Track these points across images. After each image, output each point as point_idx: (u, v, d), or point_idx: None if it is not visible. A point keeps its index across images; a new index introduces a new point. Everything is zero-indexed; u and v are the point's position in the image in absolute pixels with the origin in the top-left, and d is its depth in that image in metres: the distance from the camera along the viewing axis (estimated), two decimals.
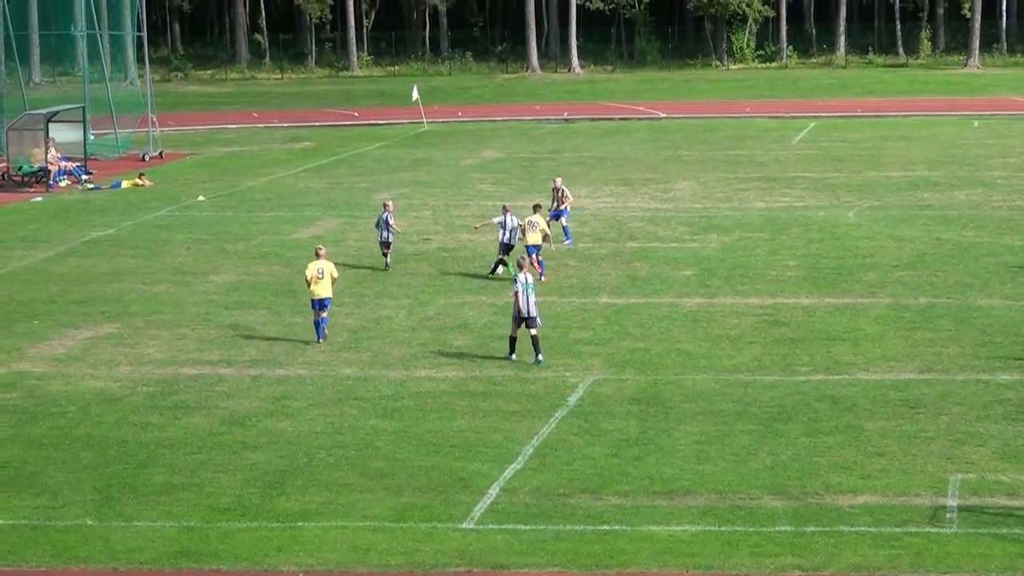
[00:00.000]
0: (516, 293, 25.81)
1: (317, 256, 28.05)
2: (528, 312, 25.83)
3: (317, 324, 28.03)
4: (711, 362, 26.31)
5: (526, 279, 25.95)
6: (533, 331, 26.06)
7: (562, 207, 38.28)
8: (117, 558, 17.80)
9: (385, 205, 35.69)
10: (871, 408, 23.33)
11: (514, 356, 26.29)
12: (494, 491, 19.83)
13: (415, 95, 68.81)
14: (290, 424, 22.99)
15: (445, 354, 27.07)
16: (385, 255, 35.05)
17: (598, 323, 29.29)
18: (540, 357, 26.10)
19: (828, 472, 20.38)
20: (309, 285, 27.83)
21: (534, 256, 32.56)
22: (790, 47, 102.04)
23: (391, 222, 34.92)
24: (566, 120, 71.18)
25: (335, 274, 28.11)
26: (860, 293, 31.55)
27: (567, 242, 36.91)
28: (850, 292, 31.68)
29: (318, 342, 27.84)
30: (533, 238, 32.93)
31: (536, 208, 34.08)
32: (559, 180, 39.22)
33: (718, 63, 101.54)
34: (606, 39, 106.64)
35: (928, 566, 17.28)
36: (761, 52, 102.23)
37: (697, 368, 25.92)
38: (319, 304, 27.90)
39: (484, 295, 31.82)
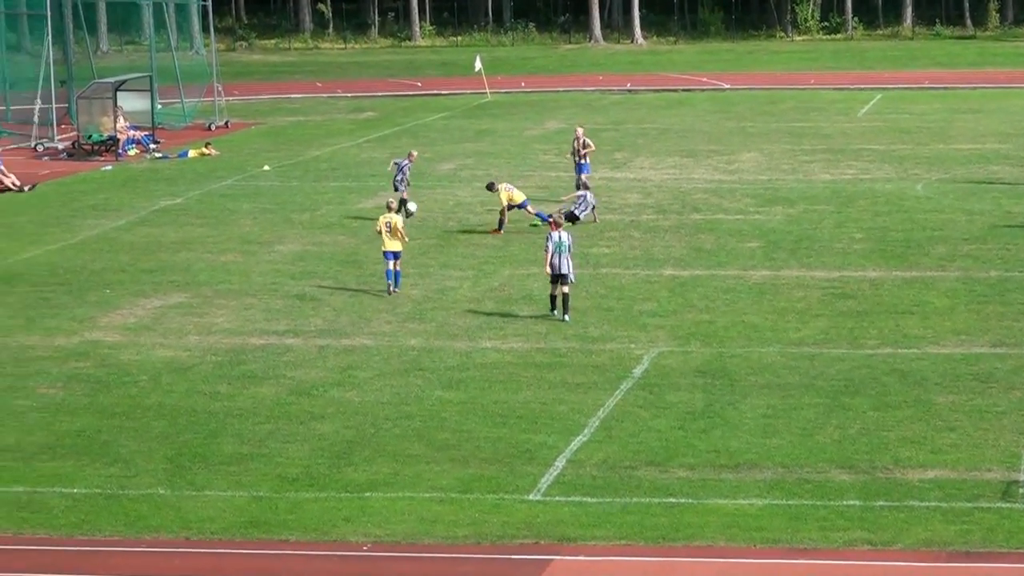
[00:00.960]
0: (547, 251, 26.65)
1: (388, 209, 29.92)
2: (560, 270, 26.62)
3: (388, 273, 29.21)
4: (777, 335, 26.17)
5: (559, 237, 26.62)
6: (565, 288, 26.83)
7: (583, 161, 38.50)
8: (189, 527, 17.95)
9: (410, 154, 37.13)
10: (941, 382, 23.14)
11: (555, 312, 27.12)
12: (560, 463, 19.83)
13: (478, 65, 68.68)
14: (356, 394, 23.09)
15: (510, 325, 27.08)
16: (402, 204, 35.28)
17: (663, 295, 29.20)
18: (567, 316, 26.83)
19: (897, 446, 20.24)
20: (382, 238, 29.31)
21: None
22: (855, 18, 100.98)
23: (407, 174, 36.31)
24: (629, 91, 70.87)
25: (401, 227, 29.34)
26: (929, 266, 31.26)
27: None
28: (919, 265, 31.40)
29: (390, 293, 28.98)
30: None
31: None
32: (580, 131, 39.21)
33: (782, 34, 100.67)
34: (669, 10, 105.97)
35: (1000, 541, 17.14)
36: (826, 23, 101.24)
37: (763, 341, 25.80)
38: (392, 255, 29.19)
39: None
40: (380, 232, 29.35)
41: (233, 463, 20.06)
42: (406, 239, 29.81)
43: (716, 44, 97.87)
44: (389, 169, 37.73)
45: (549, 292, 27.30)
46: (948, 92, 66.57)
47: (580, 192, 37.05)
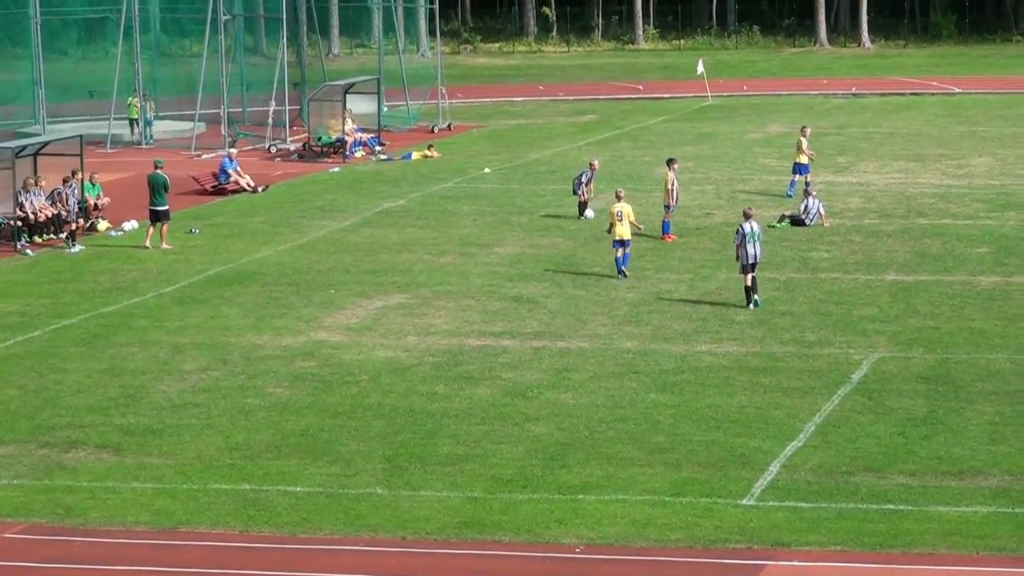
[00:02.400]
0: (737, 243, 28.12)
1: (618, 198, 31.32)
2: (754, 259, 28.04)
3: (617, 260, 30.89)
4: (1007, 341, 25.44)
5: (751, 227, 28.17)
6: (752, 275, 28.21)
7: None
8: (405, 527, 18.25)
9: (591, 165, 38.28)
10: None
11: (751, 306, 28.00)
12: (774, 468, 19.63)
13: (700, 68, 68.26)
14: (571, 396, 23.18)
15: (726, 329, 26.88)
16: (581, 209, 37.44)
17: (884, 300, 28.62)
18: (757, 296, 28.10)
19: None
20: (610, 227, 31.08)
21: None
22: None
23: (584, 181, 37.67)
24: (854, 95, 69.61)
25: (632, 216, 31.06)
26: None
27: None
28: None
29: (619, 277, 30.64)
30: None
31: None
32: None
33: (1019, 38, 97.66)
34: (899, 13, 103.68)
35: None
36: None
37: (991, 347, 25.10)
38: (619, 243, 30.95)
39: (766, 271, 31.39)
40: (612, 222, 30.94)
41: (448, 464, 20.33)
42: (640, 227, 31.98)
43: (948, 48, 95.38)
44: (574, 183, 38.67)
45: (743, 285, 28.26)
46: None
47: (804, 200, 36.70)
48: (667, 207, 35.13)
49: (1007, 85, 71.36)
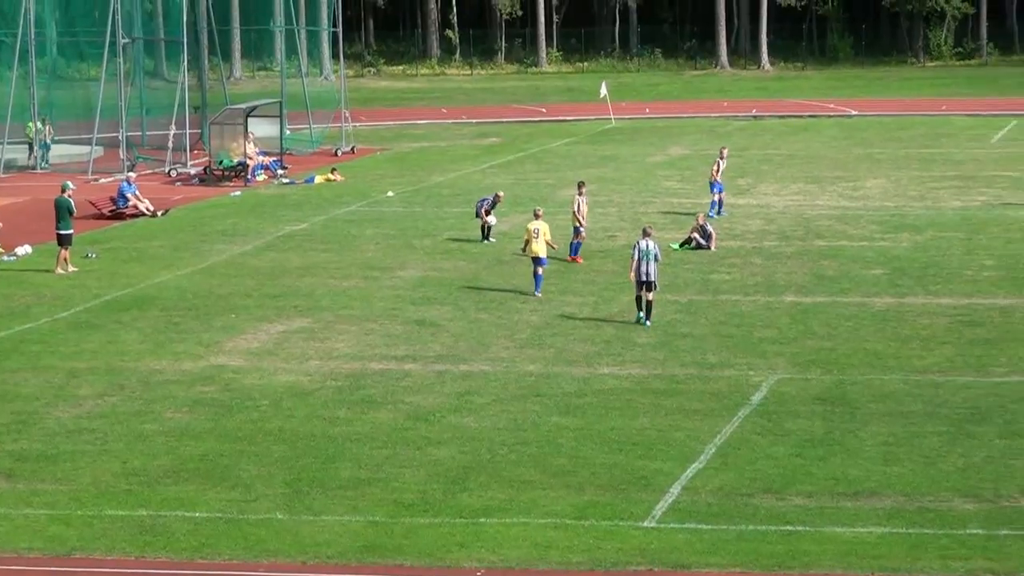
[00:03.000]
0: (633, 259, 28.42)
1: (536, 217, 31.98)
2: (647, 276, 28.32)
3: (538, 277, 31.50)
4: (900, 362, 25.82)
5: (646, 245, 28.40)
6: (650, 295, 28.60)
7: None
8: (306, 552, 18.13)
9: (497, 196, 38.81)
10: None
11: (647, 321, 28.58)
12: (676, 490, 19.74)
13: (603, 92, 68.78)
14: (473, 420, 23.18)
15: (628, 351, 27.04)
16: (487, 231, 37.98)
17: (783, 322, 28.96)
18: (648, 321, 28.53)
19: None
20: (526, 245, 31.86)
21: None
22: (990, 44, 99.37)
23: (488, 209, 37.96)
24: (754, 117, 70.45)
25: (548, 235, 31.65)
26: None
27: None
28: None
29: (535, 295, 31.17)
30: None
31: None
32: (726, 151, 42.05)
33: (913, 60, 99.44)
34: (797, 36, 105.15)
35: None
36: (960, 49, 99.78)
37: (885, 368, 25.47)
38: (536, 261, 31.53)
39: (668, 293, 31.66)
40: (528, 240, 31.70)
41: (350, 488, 20.24)
42: (555, 246, 32.52)
43: (845, 70, 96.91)
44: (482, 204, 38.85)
45: (635, 294, 28.83)
46: None
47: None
48: (576, 229, 35.33)
49: (901, 107, 72.62)
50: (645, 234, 28.89)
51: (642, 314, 28.79)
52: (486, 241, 37.99)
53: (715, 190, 41.55)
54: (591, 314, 30.05)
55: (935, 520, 18.45)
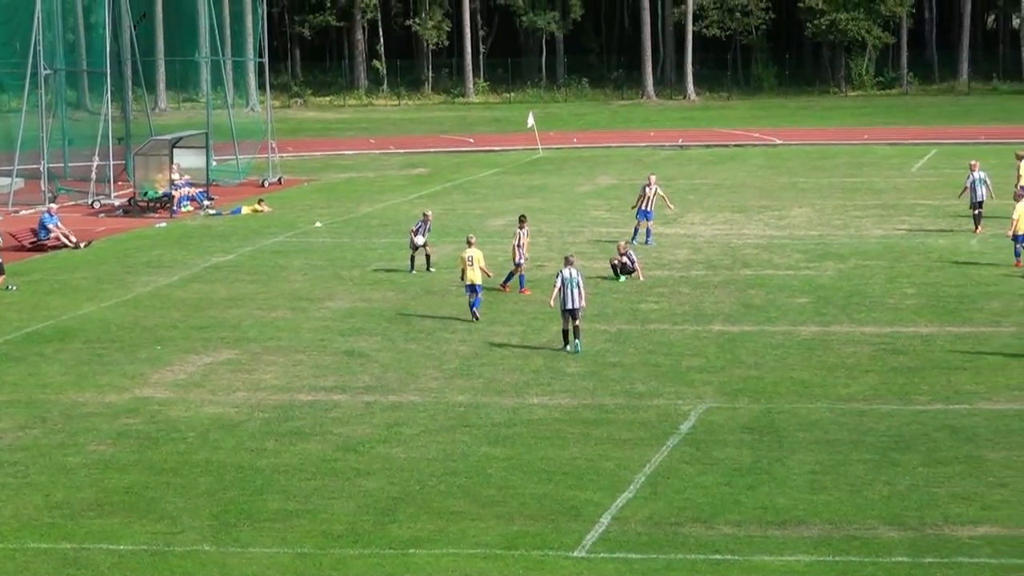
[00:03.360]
0: (556, 287, 28.82)
1: (469, 244, 32.44)
2: (573, 304, 28.66)
3: (471, 305, 31.98)
4: (826, 391, 26.04)
5: (569, 274, 28.72)
6: (577, 321, 28.96)
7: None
8: None
9: (425, 216, 38.55)
10: (993, 438, 22.94)
11: (567, 347, 28.95)
12: (605, 520, 19.77)
13: (531, 121, 69.03)
14: (403, 451, 23.12)
15: (558, 381, 27.08)
16: (417, 258, 37.84)
17: (711, 350, 29.12)
18: (579, 344, 28.88)
19: (947, 503, 20.07)
20: (463, 273, 32.21)
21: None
22: (910, 73, 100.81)
23: (421, 233, 37.80)
24: (681, 147, 70.97)
25: (482, 262, 32.22)
26: (983, 322, 31.03)
27: None
28: (972, 321, 31.18)
29: (474, 320, 31.76)
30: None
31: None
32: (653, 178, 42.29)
33: (836, 90, 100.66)
34: (722, 65, 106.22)
35: None
36: (881, 79, 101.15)
37: (812, 397, 25.67)
38: (470, 288, 32.05)
39: (597, 322, 31.77)
40: (463, 268, 32.13)
41: (278, 520, 20.11)
42: (489, 274, 32.85)
43: (769, 99, 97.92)
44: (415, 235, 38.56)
45: (561, 327, 29.11)
46: (1005, 147, 66.07)
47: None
48: (517, 263, 35.23)
49: (824, 136, 73.44)
50: (567, 263, 29.17)
51: (568, 347, 28.96)
52: (413, 272, 37.84)
53: (645, 218, 41.62)
54: (520, 343, 30.08)
55: (861, 548, 18.59)
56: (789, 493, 20.63)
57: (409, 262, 38.30)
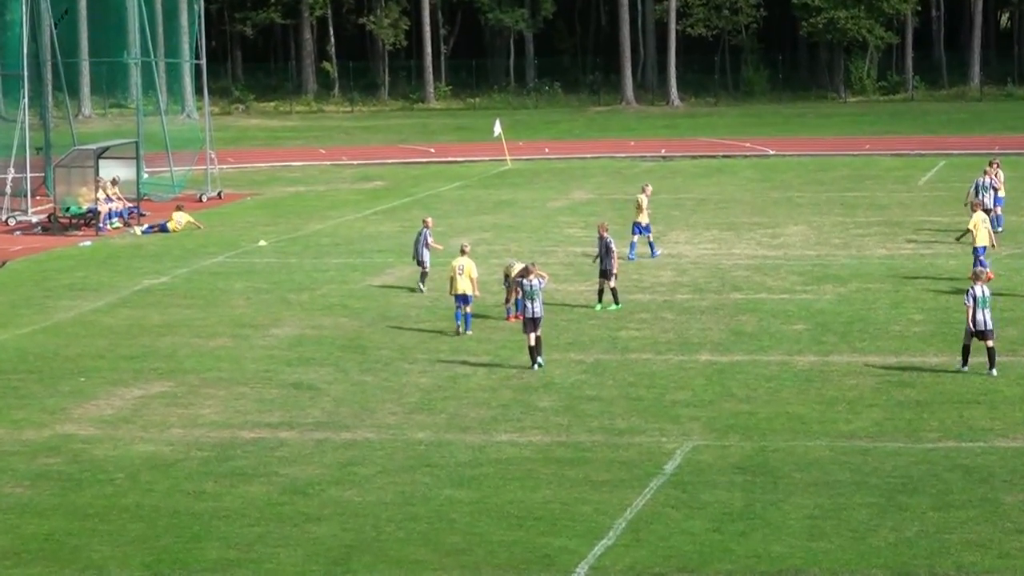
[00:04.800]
0: (518, 294, 30.78)
1: (462, 252, 33.66)
2: (534, 314, 30.16)
3: (466, 317, 33.34)
4: (825, 427, 26.15)
5: (530, 285, 30.33)
6: (538, 331, 30.30)
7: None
8: None
9: (425, 222, 39.15)
10: (1010, 479, 23.09)
11: (535, 367, 30.13)
12: (582, 570, 19.81)
13: (497, 130, 69.22)
14: (357, 493, 23.12)
15: (529, 416, 27.13)
16: (421, 277, 38.54)
17: (698, 383, 29.22)
18: (541, 360, 30.24)
19: (960, 550, 20.19)
20: (452, 282, 33.40)
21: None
22: (916, 77, 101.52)
23: (429, 240, 38.47)
24: (663, 158, 71.27)
25: (474, 273, 33.43)
26: (998, 351, 31.17)
27: None
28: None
29: (464, 333, 33.05)
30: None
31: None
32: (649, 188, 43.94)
33: (834, 95, 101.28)
34: (709, 68, 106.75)
35: None
36: (883, 83, 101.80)
37: (809, 434, 25.78)
38: (461, 299, 33.37)
39: (572, 351, 31.85)
40: (452, 277, 33.35)
41: (218, 570, 20.09)
42: (477, 294, 33.79)
43: (761, 106, 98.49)
44: (415, 246, 39.20)
45: (526, 344, 30.38)
46: (1021, 158, 66.67)
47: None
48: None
49: (822, 146, 73.88)
50: (527, 272, 30.64)
51: (538, 361, 30.19)
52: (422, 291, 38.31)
53: (641, 232, 42.78)
54: (486, 376, 30.13)
55: None
56: (785, 540, 20.70)
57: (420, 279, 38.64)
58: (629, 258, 41.81)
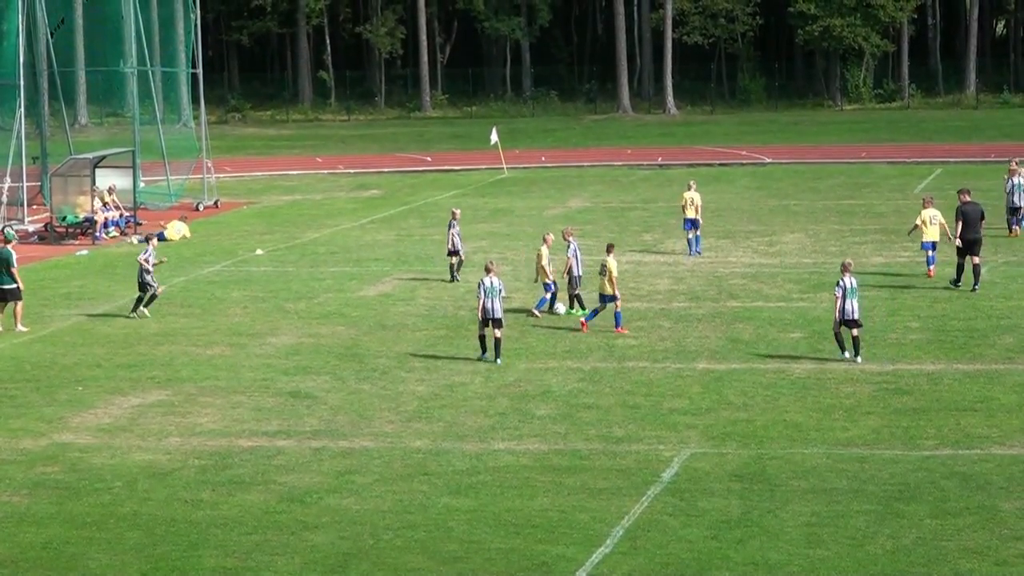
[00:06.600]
0: (480, 297, 31.11)
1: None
2: (493, 314, 31.06)
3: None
4: (823, 435, 26.17)
5: (491, 282, 31.09)
6: (498, 332, 31.25)
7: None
8: None
9: (453, 213, 41.01)
10: (1007, 486, 23.10)
11: (486, 356, 31.35)
12: None
13: (494, 138, 69.26)
14: (354, 502, 23.12)
15: (526, 424, 27.13)
16: (457, 267, 40.52)
17: (695, 391, 29.24)
18: (499, 360, 31.08)
19: (958, 557, 20.19)
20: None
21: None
22: (912, 85, 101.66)
23: (457, 232, 40.39)
24: (660, 166, 71.32)
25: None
26: (995, 359, 31.26)
27: None
28: (983, 358, 31.40)
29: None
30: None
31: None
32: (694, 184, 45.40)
33: (830, 103, 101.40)
34: (705, 76, 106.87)
35: None
36: (880, 91, 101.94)
37: (807, 441, 25.79)
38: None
39: (569, 359, 31.88)
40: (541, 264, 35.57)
41: None
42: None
43: (757, 114, 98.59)
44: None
45: (478, 333, 31.47)
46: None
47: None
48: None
49: (819, 154, 73.95)
50: (487, 271, 31.49)
51: (486, 354, 31.35)
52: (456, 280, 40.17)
53: (690, 228, 44.61)
54: (483, 384, 30.13)
55: None
56: (783, 547, 20.71)
57: (449, 272, 40.58)
58: (696, 252, 44.15)
